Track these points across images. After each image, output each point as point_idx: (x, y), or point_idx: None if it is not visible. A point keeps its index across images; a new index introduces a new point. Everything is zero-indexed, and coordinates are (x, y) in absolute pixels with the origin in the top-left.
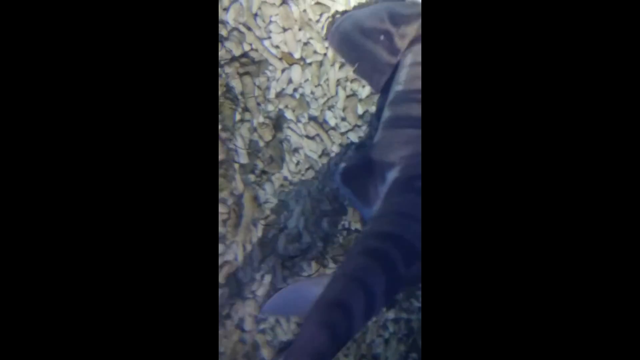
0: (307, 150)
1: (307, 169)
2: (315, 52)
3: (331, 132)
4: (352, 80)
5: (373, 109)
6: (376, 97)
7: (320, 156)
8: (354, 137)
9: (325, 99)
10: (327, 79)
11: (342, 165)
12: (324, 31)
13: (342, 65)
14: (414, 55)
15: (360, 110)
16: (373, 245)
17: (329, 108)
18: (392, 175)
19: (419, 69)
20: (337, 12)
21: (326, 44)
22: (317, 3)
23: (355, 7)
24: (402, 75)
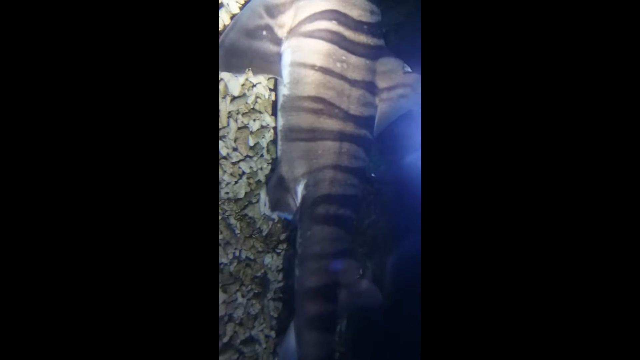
0: None
1: None
2: None
3: (223, 161)
4: (244, 114)
5: (264, 141)
6: (266, 132)
7: None
8: (245, 167)
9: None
10: (219, 111)
11: (267, 199)
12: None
13: (233, 99)
14: (293, 53)
15: (251, 142)
16: (311, 311)
17: (221, 138)
18: (300, 189)
19: (300, 71)
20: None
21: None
22: None
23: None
24: (286, 75)
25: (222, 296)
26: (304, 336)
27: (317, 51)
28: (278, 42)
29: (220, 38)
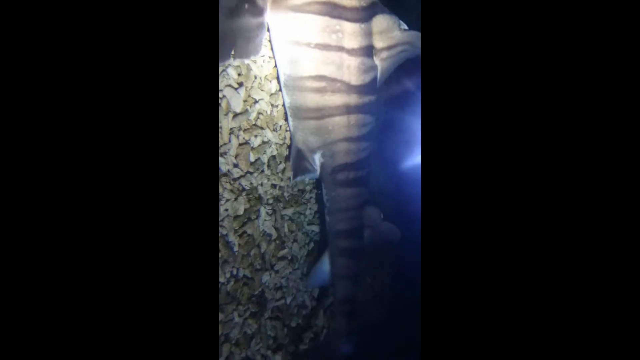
0: None
1: None
2: None
3: (223, 178)
4: (245, 130)
5: (264, 157)
6: (267, 147)
7: None
8: (245, 183)
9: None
10: (221, 127)
11: (291, 176)
12: (218, 83)
13: (235, 115)
14: (285, 30)
15: (252, 158)
16: (342, 245)
17: (222, 155)
18: (317, 157)
19: (296, 49)
20: (231, 65)
21: (220, 94)
22: None
23: None
24: (282, 54)
25: (218, 316)
26: (336, 261)
27: (310, 27)
28: (260, 12)
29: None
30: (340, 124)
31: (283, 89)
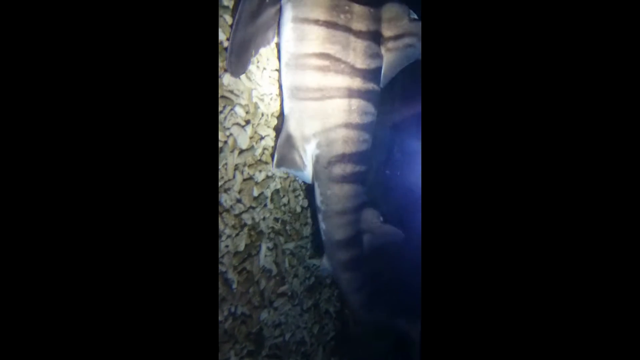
0: None
1: None
2: None
3: (225, 214)
4: (250, 165)
5: (268, 191)
6: (270, 182)
7: None
8: (247, 218)
9: (223, 182)
10: (226, 164)
11: (274, 156)
12: (226, 122)
13: (241, 152)
14: (294, 7)
15: (255, 193)
16: (343, 257)
17: (226, 191)
18: (310, 148)
19: (304, 27)
20: (239, 104)
21: (227, 132)
22: (222, 97)
23: None
24: (289, 31)
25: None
26: (339, 275)
27: (319, 4)
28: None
29: (229, 45)
30: (340, 108)
31: (284, 69)
